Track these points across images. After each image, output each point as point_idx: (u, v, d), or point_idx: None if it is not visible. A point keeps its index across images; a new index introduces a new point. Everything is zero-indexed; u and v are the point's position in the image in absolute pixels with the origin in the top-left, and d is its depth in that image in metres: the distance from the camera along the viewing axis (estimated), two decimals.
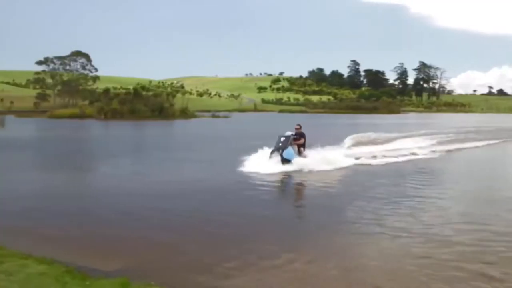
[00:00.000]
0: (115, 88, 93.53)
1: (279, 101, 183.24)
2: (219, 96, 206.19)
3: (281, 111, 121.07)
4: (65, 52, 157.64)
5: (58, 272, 5.52)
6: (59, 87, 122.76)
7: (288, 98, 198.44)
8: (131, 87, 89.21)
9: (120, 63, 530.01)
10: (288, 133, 17.73)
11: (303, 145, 18.03)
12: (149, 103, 68.71)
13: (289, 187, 14.97)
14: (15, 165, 18.71)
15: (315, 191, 13.60)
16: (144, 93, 77.48)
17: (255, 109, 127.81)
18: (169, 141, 32.75)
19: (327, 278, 6.63)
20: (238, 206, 11.34)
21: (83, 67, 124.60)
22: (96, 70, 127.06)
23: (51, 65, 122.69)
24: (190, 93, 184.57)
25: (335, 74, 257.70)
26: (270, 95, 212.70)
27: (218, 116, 75.76)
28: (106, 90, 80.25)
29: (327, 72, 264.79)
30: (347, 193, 13.15)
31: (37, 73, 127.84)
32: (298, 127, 18.21)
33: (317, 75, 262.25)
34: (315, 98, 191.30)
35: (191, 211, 10.69)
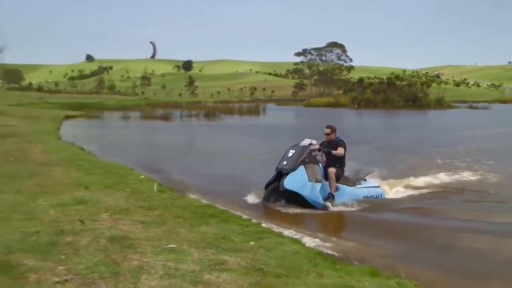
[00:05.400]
0: (368, 78, 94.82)
1: None
2: (478, 86, 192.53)
3: None
4: (322, 43, 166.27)
5: (311, 253, 5.63)
6: (315, 77, 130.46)
7: None
8: (384, 77, 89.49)
9: (375, 53, 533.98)
10: (306, 141, 9.54)
11: (340, 162, 9.81)
12: (402, 93, 68.04)
13: None
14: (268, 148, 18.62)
15: None
16: (398, 82, 76.78)
17: None
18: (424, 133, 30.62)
19: None
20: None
21: (339, 58, 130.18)
22: (351, 60, 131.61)
23: (308, 56, 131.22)
24: (446, 83, 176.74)
25: None
26: None
27: (476, 107, 70.44)
28: (360, 80, 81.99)
29: None
30: None
31: (295, 64, 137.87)
32: (328, 131, 9.90)
33: None
34: None
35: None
